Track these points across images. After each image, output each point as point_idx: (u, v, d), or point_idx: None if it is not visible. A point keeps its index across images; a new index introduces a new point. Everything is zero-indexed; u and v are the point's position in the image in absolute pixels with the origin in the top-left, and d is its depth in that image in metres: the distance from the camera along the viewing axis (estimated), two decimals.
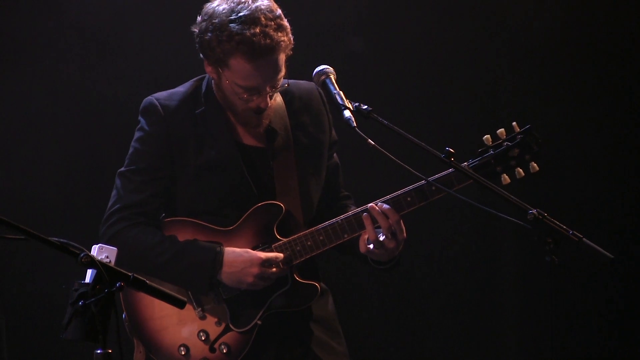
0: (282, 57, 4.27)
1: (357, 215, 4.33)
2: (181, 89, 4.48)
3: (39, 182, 5.77)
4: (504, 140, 4.26)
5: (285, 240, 4.37)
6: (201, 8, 4.26)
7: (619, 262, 5.79)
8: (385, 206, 4.27)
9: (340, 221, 4.35)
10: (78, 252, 3.12)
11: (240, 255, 4.32)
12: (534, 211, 3.73)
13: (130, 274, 3.17)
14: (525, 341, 6.01)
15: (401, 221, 4.28)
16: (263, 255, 4.32)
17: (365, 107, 4.13)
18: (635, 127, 5.95)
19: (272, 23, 4.23)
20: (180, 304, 3.31)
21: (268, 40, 4.20)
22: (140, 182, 4.39)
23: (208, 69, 4.34)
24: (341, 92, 4.21)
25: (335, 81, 4.27)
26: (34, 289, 5.71)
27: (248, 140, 4.44)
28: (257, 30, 4.20)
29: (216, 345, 4.36)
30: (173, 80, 5.82)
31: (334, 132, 4.57)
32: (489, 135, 4.27)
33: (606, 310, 5.95)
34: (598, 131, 5.96)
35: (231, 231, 4.38)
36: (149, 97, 4.44)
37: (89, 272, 3.17)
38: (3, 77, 5.77)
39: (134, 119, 5.83)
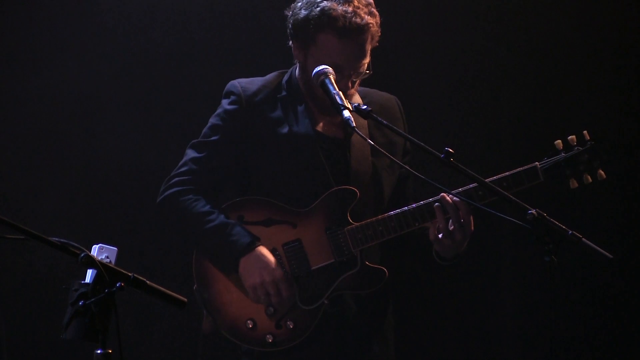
0: (369, 43, 4.43)
1: (429, 205, 4.43)
2: (264, 77, 4.65)
3: (39, 182, 5.77)
4: (575, 146, 4.39)
5: (357, 224, 4.47)
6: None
7: (619, 262, 5.79)
8: (457, 198, 4.34)
9: (412, 209, 4.45)
10: (78, 252, 3.12)
11: (267, 258, 4.43)
12: (534, 211, 3.74)
13: (130, 274, 3.17)
14: (525, 341, 6.01)
15: (471, 215, 4.37)
16: (280, 273, 4.42)
17: (365, 107, 4.17)
18: (636, 126, 5.95)
19: (364, 7, 4.42)
20: (180, 305, 3.31)
21: (358, 20, 4.38)
22: (207, 153, 4.54)
23: (295, 52, 4.50)
24: (340, 93, 4.25)
25: (335, 81, 4.31)
26: (34, 289, 5.71)
27: (326, 129, 4.57)
28: (349, 9, 4.39)
29: (282, 322, 4.47)
30: (180, 85, 5.85)
31: (409, 143, 4.65)
32: (560, 141, 4.41)
33: (606, 310, 5.95)
34: (598, 130, 5.95)
35: (306, 212, 4.49)
36: (232, 81, 4.62)
37: (89, 272, 3.17)
38: (3, 76, 5.77)
39: (135, 119, 5.85)
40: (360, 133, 4.16)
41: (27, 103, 5.79)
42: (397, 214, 4.45)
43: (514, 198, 3.87)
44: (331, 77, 4.31)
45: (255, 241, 4.43)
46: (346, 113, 4.15)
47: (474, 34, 6.00)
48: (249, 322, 4.48)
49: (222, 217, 4.46)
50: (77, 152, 5.82)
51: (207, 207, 4.48)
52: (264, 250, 4.43)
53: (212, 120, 4.60)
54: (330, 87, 4.28)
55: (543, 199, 5.66)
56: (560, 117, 5.95)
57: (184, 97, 5.79)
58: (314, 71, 4.33)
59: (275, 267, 4.42)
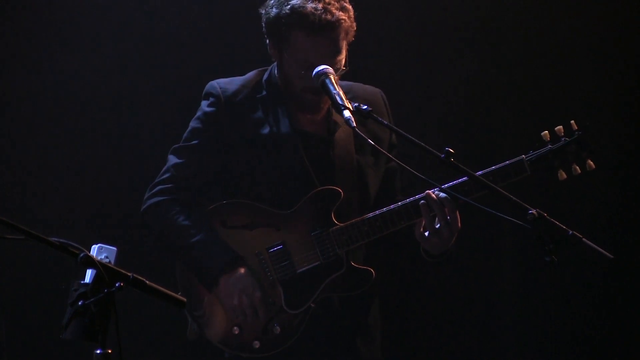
0: (343, 39, 4.37)
1: (414, 203, 4.39)
2: (244, 76, 4.60)
3: (39, 182, 5.77)
4: (562, 136, 4.33)
5: (342, 224, 4.43)
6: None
7: (619, 262, 5.78)
8: (442, 194, 4.32)
9: (397, 208, 4.41)
10: (77, 252, 3.12)
11: (247, 279, 4.39)
12: (534, 211, 3.73)
13: (129, 274, 3.17)
14: (525, 341, 6.00)
15: (457, 211, 4.33)
16: (258, 297, 4.39)
17: (365, 107, 4.15)
18: (636, 126, 5.94)
19: (336, 3, 4.36)
20: (180, 304, 3.31)
21: (329, 16, 4.32)
22: (189, 158, 4.50)
23: (271, 51, 4.46)
24: (341, 92, 4.23)
25: (335, 81, 4.29)
26: (34, 289, 5.71)
27: (308, 127, 4.53)
28: (320, 5, 4.33)
29: (269, 327, 4.43)
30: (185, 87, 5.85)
31: (394, 137, 4.61)
32: (547, 132, 4.35)
33: (606, 310, 5.95)
34: (598, 130, 5.95)
35: (289, 214, 4.45)
36: (211, 81, 4.57)
37: (89, 272, 3.17)
38: (4, 76, 5.77)
39: (135, 119, 5.85)
40: (361, 133, 4.12)
41: (26, 103, 5.78)
42: (383, 213, 4.41)
43: (514, 198, 3.86)
44: (332, 77, 4.28)
45: (234, 260, 4.40)
46: (347, 113, 4.13)
47: (463, 28, 5.99)
48: (235, 328, 4.43)
49: (202, 232, 4.43)
50: (77, 152, 5.81)
51: (187, 221, 4.44)
52: (243, 271, 4.40)
53: (192, 123, 4.56)
54: (331, 87, 4.25)
55: (543, 198, 5.66)
56: (552, 110, 5.94)
57: (184, 97, 5.78)
58: (314, 71, 4.30)
59: (254, 290, 4.39)
